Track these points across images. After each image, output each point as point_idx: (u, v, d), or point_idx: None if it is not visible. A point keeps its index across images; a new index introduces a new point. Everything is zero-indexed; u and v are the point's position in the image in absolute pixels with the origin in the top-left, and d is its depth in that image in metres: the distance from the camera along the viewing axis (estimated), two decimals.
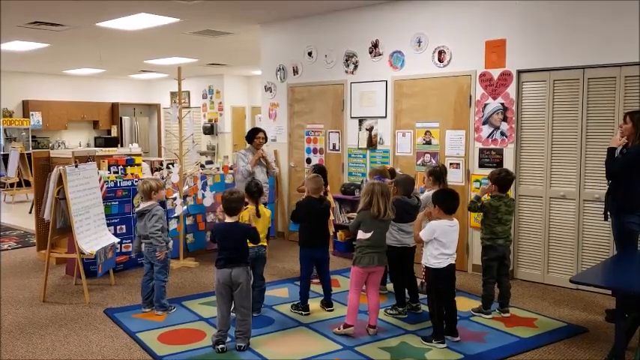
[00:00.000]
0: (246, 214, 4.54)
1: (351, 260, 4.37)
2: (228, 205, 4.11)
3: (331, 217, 5.15)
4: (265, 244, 4.72)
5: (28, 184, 11.60)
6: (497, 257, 4.67)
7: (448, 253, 4.08)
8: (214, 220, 4.07)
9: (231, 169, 7.25)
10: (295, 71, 7.67)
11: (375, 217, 4.15)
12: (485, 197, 4.73)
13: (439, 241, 4.06)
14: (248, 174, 6.23)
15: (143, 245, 4.86)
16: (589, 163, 5.28)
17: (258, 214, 4.61)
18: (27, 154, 11.82)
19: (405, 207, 4.57)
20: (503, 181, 4.62)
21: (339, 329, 4.30)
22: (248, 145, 6.55)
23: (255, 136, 6.47)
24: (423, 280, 5.14)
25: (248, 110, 15.42)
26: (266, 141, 6.67)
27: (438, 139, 6.25)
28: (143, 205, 4.84)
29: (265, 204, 6.09)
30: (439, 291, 4.12)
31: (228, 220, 4.12)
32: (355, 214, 4.28)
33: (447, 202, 4.13)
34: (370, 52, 6.82)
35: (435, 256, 4.08)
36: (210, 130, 15.02)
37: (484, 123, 5.86)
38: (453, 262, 4.13)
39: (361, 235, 4.23)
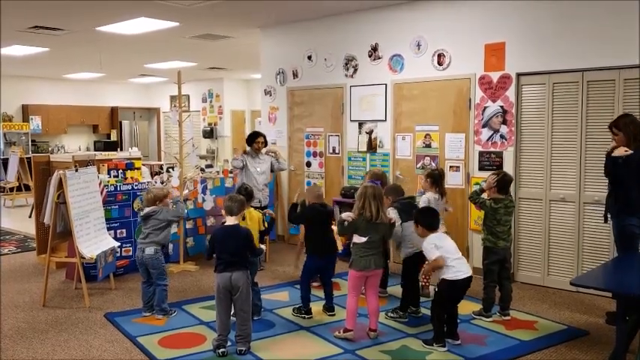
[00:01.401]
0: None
1: None
2: (229, 206, 4.15)
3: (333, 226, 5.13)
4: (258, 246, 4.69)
5: (27, 188, 11.59)
6: (499, 261, 4.68)
7: (454, 257, 4.04)
8: (214, 224, 4.09)
9: (230, 172, 7.26)
10: (295, 75, 7.68)
11: (368, 221, 4.16)
12: (485, 195, 4.73)
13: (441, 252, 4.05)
14: (235, 169, 6.60)
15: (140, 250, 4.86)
16: (589, 165, 5.28)
17: (242, 217, 4.60)
18: (27, 158, 11.82)
19: (408, 207, 4.73)
20: (502, 182, 4.64)
21: (339, 333, 4.30)
22: (248, 148, 6.61)
23: (254, 140, 6.60)
24: (423, 284, 5.15)
25: (248, 114, 15.41)
26: (266, 145, 6.71)
27: (438, 142, 6.25)
28: (148, 209, 4.88)
29: (266, 207, 6.10)
30: (449, 299, 4.11)
31: (228, 222, 4.13)
32: (348, 214, 4.28)
33: (428, 219, 4.20)
34: (370, 56, 6.83)
35: (447, 267, 4.02)
36: (209, 133, 15.02)
37: (484, 126, 5.87)
38: (470, 273, 4.07)
39: (356, 239, 4.23)
